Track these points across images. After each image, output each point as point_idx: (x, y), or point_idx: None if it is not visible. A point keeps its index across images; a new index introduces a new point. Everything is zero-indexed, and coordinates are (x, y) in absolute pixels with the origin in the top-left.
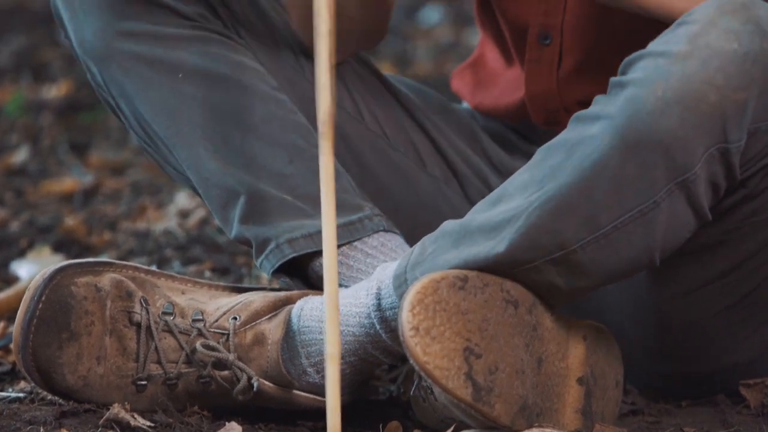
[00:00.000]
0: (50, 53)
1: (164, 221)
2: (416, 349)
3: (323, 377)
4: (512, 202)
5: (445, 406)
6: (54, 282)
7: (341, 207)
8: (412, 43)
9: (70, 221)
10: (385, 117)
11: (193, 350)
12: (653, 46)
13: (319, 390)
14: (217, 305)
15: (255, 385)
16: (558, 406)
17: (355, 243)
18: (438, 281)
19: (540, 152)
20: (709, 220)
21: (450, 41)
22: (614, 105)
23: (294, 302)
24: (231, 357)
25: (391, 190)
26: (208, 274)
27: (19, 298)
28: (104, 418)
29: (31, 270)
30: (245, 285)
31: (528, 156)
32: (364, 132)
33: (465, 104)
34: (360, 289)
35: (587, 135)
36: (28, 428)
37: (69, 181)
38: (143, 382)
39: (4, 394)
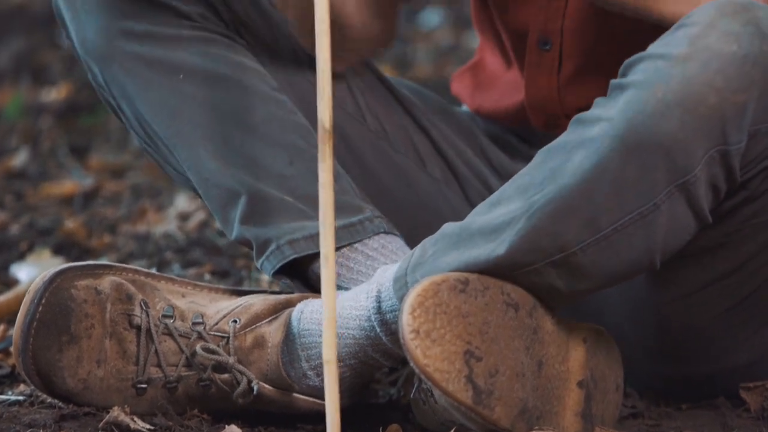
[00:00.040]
0: (50, 56)
1: (164, 224)
2: (416, 352)
3: (323, 380)
4: (512, 205)
5: (445, 409)
6: (54, 285)
7: (341, 209)
8: (412, 46)
9: (70, 224)
10: (386, 118)
11: (193, 353)
12: (653, 48)
13: (320, 393)
14: (217, 308)
15: (255, 388)
16: (558, 409)
17: (356, 245)
18: (438, 284)
19: (540, 154)
20: (710, 222)
21: (450, 44)
22: (614, 107)
23: (294, 305)
24: (231, 360)
25: (391, 191)
26: (208, 276)
27: (18, 300)
28: (104, 421)
29: (31, 273)
30: (245, 288)
31: (528, 159)
32: (365, 133)
33: (465, 107)
34: (360, 291)
35: (587, 137)
36: (28, 431)
37: (69, 184)
38: (143, 386)
39: (3, 397)
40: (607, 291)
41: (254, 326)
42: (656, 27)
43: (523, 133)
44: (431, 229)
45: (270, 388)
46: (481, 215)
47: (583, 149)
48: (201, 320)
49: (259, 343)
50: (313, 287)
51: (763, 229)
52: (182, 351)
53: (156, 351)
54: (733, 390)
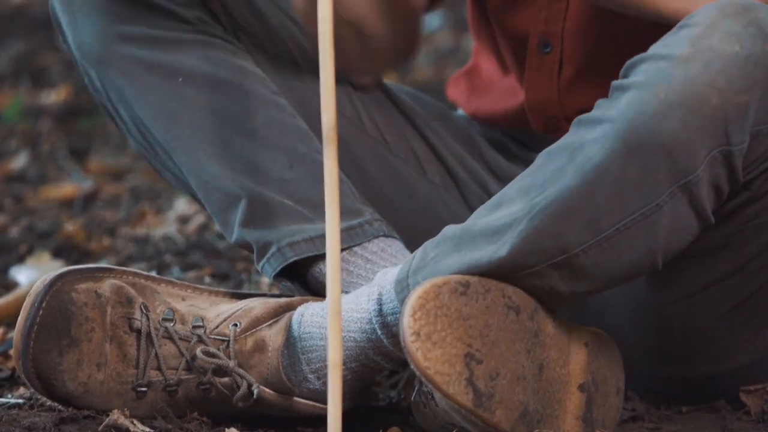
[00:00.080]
0: (49, 58)
1: (164, 227)
2: (417, 355)
3: (324, 384)
4: (514, 206)
5: (445, 411)
6: (54, 288)
7: (341, 212)
8: None
9: (70, 227)
10: (385, 123)
11: (194, 357)
12: (655, 48)
13: (320, 397)
14: (218, 312)
15: (255, 392)
16: (559, 412)
17: (355, 248)
18: (439, 286)
19: (542, 156)
20: (712, 223)
21: (450, 47)
22: (616, 108)
23: (294, 309)
24: (231, 364)
25: (391, 197)
26: (207, 279)
27: (18, 303)
28: (103, 424)
29: (31, 276)
30: (245, 291)
31: (526, 163)
32: (364, 138)
33: (460, 111)
34: (361, 294)
35: (589, 138)
36: None
37: (68, 187)
38: (143, 389)
39: (3, 400)
40: (609, 292)
41: (255, 330)
42: (657, 29)
43: (521, 136)
44: (431, 234)
45: (270, 391)
46: (482, 217)
47: (584, 150)
48: (201, 323)
49: (260, 346)
50: (312, 290)
51: (765, 229)
52: (182, 354)
53: (156, 354)
54: (734, 392)
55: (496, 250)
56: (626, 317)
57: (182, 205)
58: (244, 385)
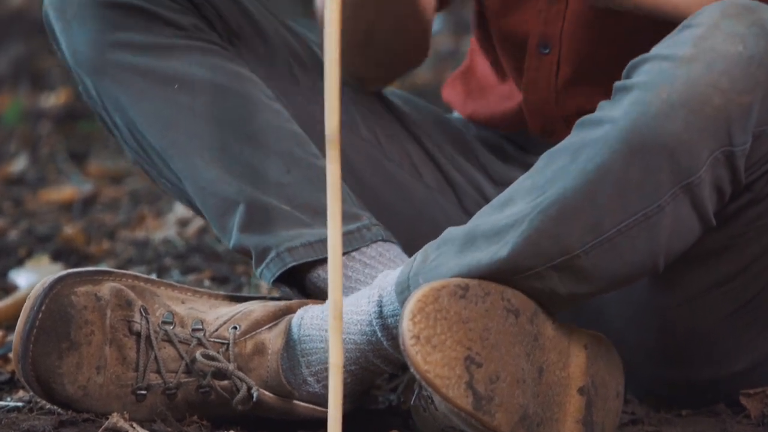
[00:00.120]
0: (49, 61)
1: (163, 230)
2: (417, 358)
3: (324, 387)
4: (515, 207)
5: (445, 415)
6: (54, 291)
7: None
8: None
9: (69, 230)
10: (380, 128)
11: (193, 360)
12: (658, 49)
13: (320, 400)
14: (217, 314)
15: (255, 395)
16: (559, 415)
17: (354, 253)
18: (439, 290)
19: (544, 157)
20: (714, 225)
21: (449, 49)
22: (618, 108)
23: (294, 311)
24: (231, 367)
25: (387, 202)
26: (207, 282)
27: (17, 307)
28: (103, 427)
29: (30, 279)
30: (245, 294)
31: (523, 165)
32: (359, 143)
33: (456, 114)
34: (361, 296)
35: (591, 139)
36: None
37: (68, 190)
38: (143, 392)
39: (2, 403)
40: (609, 295)
41: (254, 333)
42: (655, 31)
43: (518, 139)
44: (427, 238)
45: (270, 394)
46: (484, 219)
47: (586, 151)
48: (201, 327)
49: (259, 349)
50: (311, 296)
51: (767, 231)
52: (182, 357)
53: (155, 357)
54: (735, 395)
55: (497, 251)
56: (627, 320)
57: (182, 208)
58: (244, 388)
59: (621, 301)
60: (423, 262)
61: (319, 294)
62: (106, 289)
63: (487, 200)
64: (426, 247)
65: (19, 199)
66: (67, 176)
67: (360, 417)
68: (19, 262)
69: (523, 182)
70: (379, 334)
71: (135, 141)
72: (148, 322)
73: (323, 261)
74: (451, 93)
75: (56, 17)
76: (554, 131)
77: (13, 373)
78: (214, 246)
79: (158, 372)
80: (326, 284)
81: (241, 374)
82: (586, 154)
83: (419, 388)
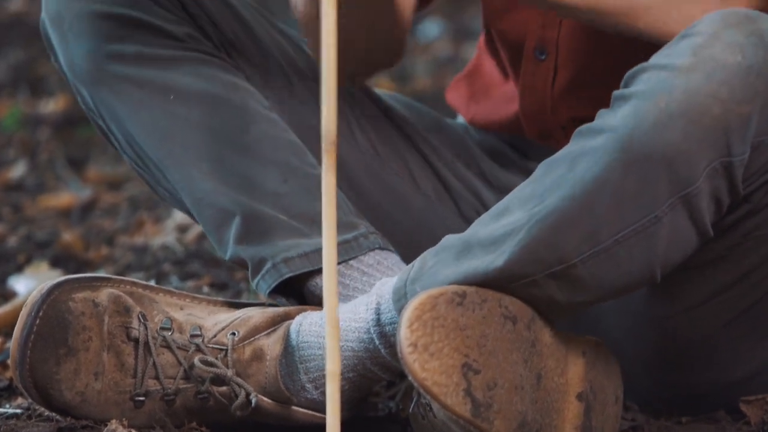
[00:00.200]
0: (48, 67)
1: (162, 236)
2: (414, 366)
3: (322, 393)
4: (513, 216)
5: (444, 422)
6: (51, 297)
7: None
8: (411, 58)
9: (68, 236)
10: (377, 137)
11: (192, 366)
12: (656, 58)
13: (318, 406)
14: (216, 320)
15: (253, 401)
16: (557, 422)
17: (351, 261)
18: (436, 297)
19: (542, 166)
20: (711, 236)
21: (449, 55)
22: (617, 118)
23: (293, 318)
24: (229, 373)
25: (384, 211)
26: (206, 289)
27: (16, 313)
28: None
29: (29, 285)
30: (244, 300)
31: (524, 171)
32: (356, 153)
33: (460, 118)
34: (359, 303)
35: (589, 148)
36: None
37: (66, 196)
38: (141, 398)
39: (1, 410)
40: (607, 304)
41: (253, 339)
42: (651, 42)
43: (519, 144)
44: (425, 248)
45: (268, 400)
46: (482, 227)
47: (584, 160)
48: (199, 332)
49: (258, 355)
50: (309, 305)
51: (765, 241)
52: (180, 363)
53: (154, 363)
54: (734, 403)
55: (494, 259)
56: (625, 330)
57: (181, 214)
58: (243, 394)
59: (619, 310)
60: (420, 269)
61: (317, 303)
62: (104, 295)
63: (485, 207)
64: (424, 254)
65: (18, 205)
66: (65, 182)
67: (359, 424)
68: (18, 269)
69: (521, 191)
70: (377, 342)
71: (133, 151)
72: (146, 328)
73: (320, 271)
74: (454, 96)
75: (53, 28)
76: (551, 137)
77: (11, 379)
78: (213, 252)
79: (156, 378)
80: None
81: (239, 380)
82: (584, 164)
83: (417, 396)
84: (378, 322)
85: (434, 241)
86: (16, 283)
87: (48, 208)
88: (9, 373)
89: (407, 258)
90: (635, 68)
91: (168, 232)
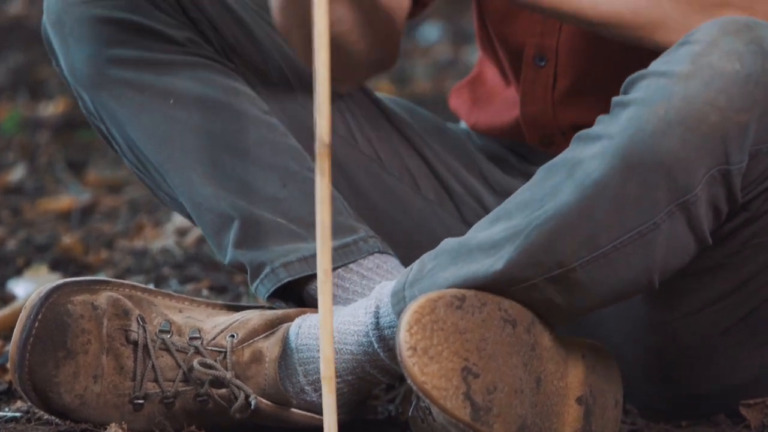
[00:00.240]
0: (47, 71)
1: (161, 239)
2: (414, 369)
3: (321, 396)
4: (512, 221)
5: (443, 426)
6: (50, 300)
7: (335, 229)
8: (411, 61)
9: (67, 239)
10: (378, 140)
11: (191, 368)
12: (655, 65)
13: (317, 408)
14: (215, 323)
15: (252, 403)
16: (557, 425)
17: (351, 265)
18: (435, 300)
19: (541, 171)
20: (710, 244)
21: (449, 59)
22: (616, 124)
23: (291, 320)
24: (228, 375)
25: (384, 214)
26: (205, 292)
27: (15, 316)
28: None
29: (28, 288)
30: (243, 303)
31: (526, 176)
32: (357, 156)
33: (462, 123)
34: (359, 307)
35: (588, 154)
36: None
37: (66, 199)
38: (140, 401)
39: (0, 413)
40: (606, 310)
41: (252, 341)
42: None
43: (520, 149)
44: (425, 251)
45: (267, 403)
46: (481, 231)
47: (584, 166)
48: (198, 335)
49: (257, 357)
50: (308, 308)
51: (763, 249)
52: (179, 366)
53: (153, 366)
54: (734, 407)
55: (493, 263)
56: (625, 335)
57: (180, 217)
58: (242, 396)
59: (618, 316)
60: (419, 272)
61: (316, 306)
62: (103, 298)
63: (487, 210)
64: (423, 257)
65: (18, 209)
66: (65, 185)
67: (358, 427)
68: (18, 272)
69: (520, 195)
70: (376, 345)
71: (133, 155)
72: (145, 331)
73: None
74: (457, 102)
75: (54, 33)
76: (552, 143)
77: (10, 383)
78: (212, 256)
79: (156, 381)
80: None
81: (238, 382)
82: (583, 170)
83: (417, 399)
84: (377, 325)
85: (435, 244)
86: (16, 286)
87: (47, 212)
88: (8, 376)
89: (407, 261)
90: (634, 75)
91: (167, 235)
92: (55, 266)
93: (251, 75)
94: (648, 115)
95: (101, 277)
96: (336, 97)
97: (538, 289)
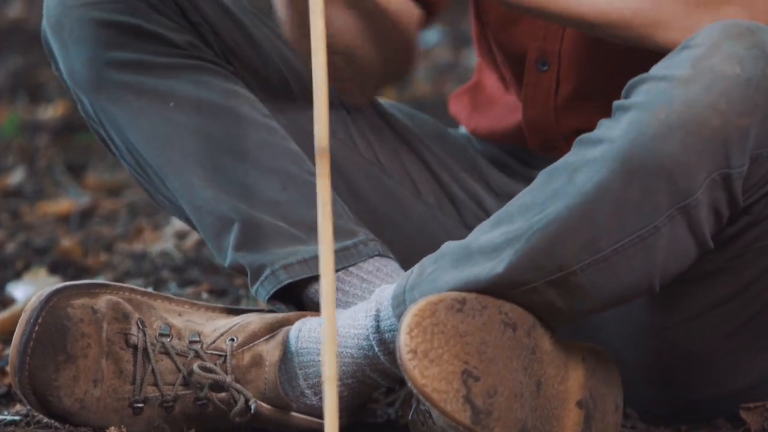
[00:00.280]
0: (47, 74)
1: (161, 242)
2: (414, 372)
3: (321, 399)
4: (513, 224)
5: (443, 429)
6: (50, 304)
7: (335, 233)
8: None
9: (67, 243)
10: (379, 145)
11: (190, 372)
12: (656, 69)
13: (317, 412)
14: (215, 327)
15: (252, 407)
16: (557, 429)
17: (351, 268)
18: (436, 303)
19: (542, 175)
20: (711, 247)
21: (449, 62)
22: (617, 128)
23: (291, 323)
24: (228, 379)
25: (385, 218)
26: (205, 295)
27: (15, 320)
28: None
29: (27, 292)
30: (242, 307)
31: (527, 180)
32: (357, 159)
33: (462, 129)
34: (359, 310)
35: (589, 158)
36: None
37: (65, 203)
38: (140, 405)
39: (0, 417)
40: (607, 314)
41: (251, 344)
42: (654, 51)
43: (521, 154)
44: (425, 254)
45: (267, 406)
46: (481, 234)
47: (585, 170)
48: (198, 339)
49: (257, 361)
50: (308, 311)
51: (765, 253)
52: (179, 370)
53: (153, 370)
54: (734, 411)
55: (494, 266)
56: (626, 339)
57: (179, 221)
58: (242, 400)
59: (619, 320)
60: (419, 275)
61: (316, 309)
62: (102, 301)
63: (488, 214)
64: (423, 260)
65: (17, 212)
66: (64, 189)
67: (358, 431)
68: (17, 275)
69: (522, 199)
70: (376, 349)
71: (132, 159)
72: (145, 334)
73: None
74: (457, 107)
75: (53, 36)
76: (554, 147)
77: (10, 386)
78: (211, 259)
79: (155, 385)
80: None
81: (238, 386)
82: (584, 174)
83: (417, 403)
84: (377, 329)
85: (435, 248)
86: (15, 289)
87: (47, 215)
88: (8, 380)
89: (407, 264)
90: (635, 79)
91: (167, 238)
92: (55, 269)
93: (251, 78)
94: (649, 119)
95: (101, 280)
96: (337, 104)
97: (538, 292)
